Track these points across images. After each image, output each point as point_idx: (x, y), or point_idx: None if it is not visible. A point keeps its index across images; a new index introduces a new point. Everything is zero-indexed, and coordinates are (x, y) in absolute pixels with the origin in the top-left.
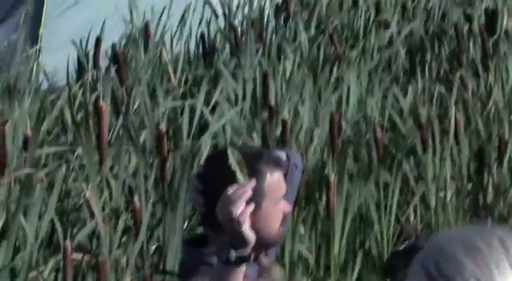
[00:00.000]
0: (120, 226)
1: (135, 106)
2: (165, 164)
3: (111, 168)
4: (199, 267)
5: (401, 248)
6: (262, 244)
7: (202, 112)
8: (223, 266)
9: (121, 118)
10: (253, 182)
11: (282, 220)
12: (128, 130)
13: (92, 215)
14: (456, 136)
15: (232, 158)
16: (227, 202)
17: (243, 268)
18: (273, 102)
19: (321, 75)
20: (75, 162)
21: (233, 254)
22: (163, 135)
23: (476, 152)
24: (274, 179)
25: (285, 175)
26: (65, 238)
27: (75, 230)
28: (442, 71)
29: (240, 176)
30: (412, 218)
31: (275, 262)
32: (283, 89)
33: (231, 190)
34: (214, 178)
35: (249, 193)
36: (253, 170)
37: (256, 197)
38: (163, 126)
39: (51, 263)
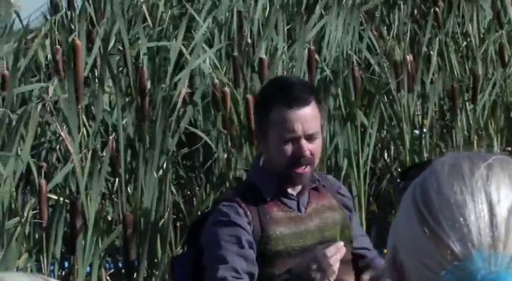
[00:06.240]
0: (97, 166)
1: (111, 46)
2: (145, 100)
3: (88, 107)
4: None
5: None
6: None
7: (179, 53)
8: None
9: (97, 58)
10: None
11: None
12: (110, 67)
13: (67, 155)
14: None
15: None
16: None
17: None
18: (249, 40)
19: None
20: (51, 100)
21: None
22: (143, 73)
23: (449, 90)
24: None
25: None
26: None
27: (53, 171)
28: (416, 11)
29: None
30: (386, 156)
31: None
32: (260, 28)
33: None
34: None
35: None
36: None
37: None
38: (143, 66)
39: (30, 204)
